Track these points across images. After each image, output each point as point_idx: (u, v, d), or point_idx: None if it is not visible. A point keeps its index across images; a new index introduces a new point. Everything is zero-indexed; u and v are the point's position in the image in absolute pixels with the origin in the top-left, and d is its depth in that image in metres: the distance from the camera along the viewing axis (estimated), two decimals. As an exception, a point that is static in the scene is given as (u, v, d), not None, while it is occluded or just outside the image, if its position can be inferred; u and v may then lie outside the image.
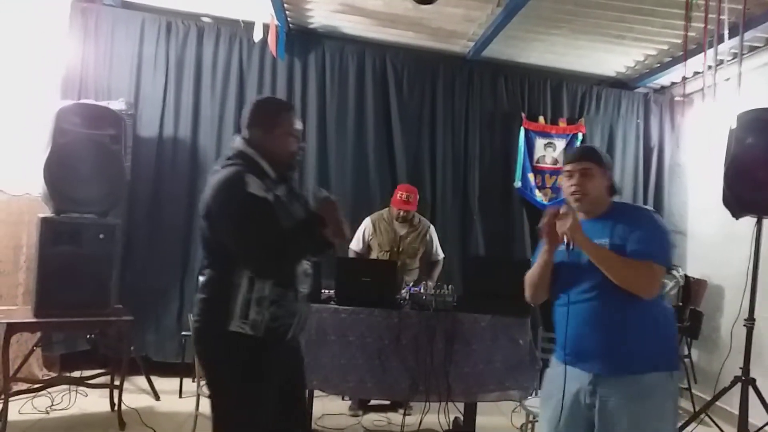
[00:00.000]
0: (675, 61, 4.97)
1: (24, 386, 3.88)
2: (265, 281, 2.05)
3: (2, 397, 3.53)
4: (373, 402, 4.35)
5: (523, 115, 5.48)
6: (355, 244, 4.44)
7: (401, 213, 4.34)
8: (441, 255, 4.61)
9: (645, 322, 2.10)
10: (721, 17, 3.71)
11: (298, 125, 2.23)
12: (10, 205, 4.04)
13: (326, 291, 3.51)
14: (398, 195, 4.36)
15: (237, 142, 2.18)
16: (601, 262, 2.08)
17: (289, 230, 2.08)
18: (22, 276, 4.16)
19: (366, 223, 4.47)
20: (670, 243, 2.16)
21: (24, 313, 3.64)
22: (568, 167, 2.25)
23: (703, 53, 4.00)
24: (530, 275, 2.32)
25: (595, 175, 2.20)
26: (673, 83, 5.70)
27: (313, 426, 3.80)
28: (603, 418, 2.13)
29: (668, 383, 2.13)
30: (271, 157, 2.14)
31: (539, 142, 5.52)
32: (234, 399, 2.08)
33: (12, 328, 3.46)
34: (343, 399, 4.43)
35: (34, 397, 3.88)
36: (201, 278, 2.20)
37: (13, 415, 3.57)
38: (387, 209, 4.51)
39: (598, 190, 2.21)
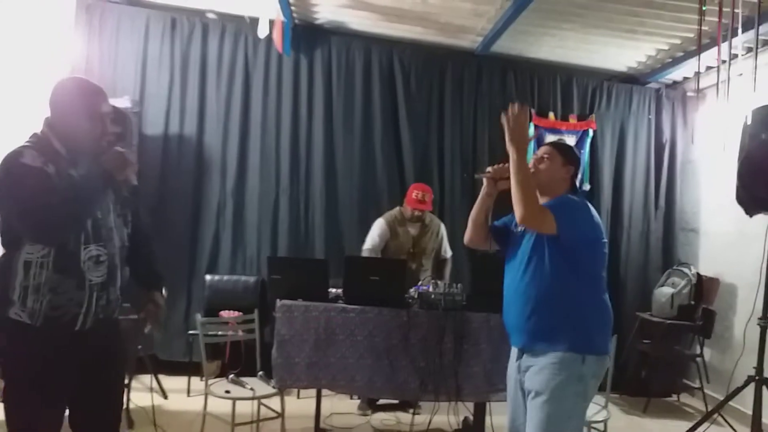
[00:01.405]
0: (687, 55, 4.90)
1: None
2: (42, 268, 1.98)
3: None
4: (381, 401, 4.33)
5: (532, 111, 5.42)
6: (370, 244, 4.29)
7: (416, 213, 4.27)
8: (449, 253, 4.55)
9: (563, 302, 2.21)
10: (735, 11, 3.64)
11: (104, 108, 2.16)
12: (16, 204, 4.02)
13: (334, 290, 3.47)
14: (413, 194, 4.27)
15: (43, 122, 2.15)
16: (516, 171, 2.20)
17: (66, 189, 2.00)
18: None
19: (381, 225, 4.32)
20: (568, 211, 2.25)
21: None
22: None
23: (716, 47, 3.93)
24: (471, 212, 2.55)
25: (551, 160, 2.38)
26: (685, 78, 5.62)
27: (322, 425, 3.78)
28: (526, 389, 2.27)
29: (577, 366, 2.17)
30: (66, 137, 2.09)
31: (549, 139, 5.45)
32: (13, 387, 2.02)
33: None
34: (351, 398, 4.41)
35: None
36: None
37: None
38: (398, 209, 4.42)
39: (550, 173, 2.37)
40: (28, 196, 1.92)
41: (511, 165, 2.22)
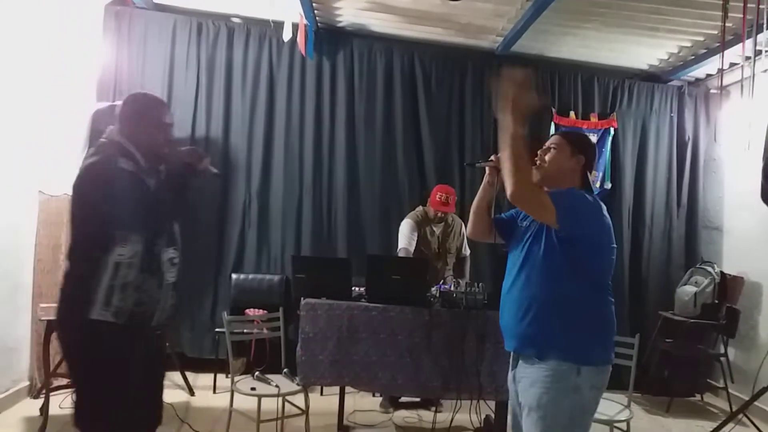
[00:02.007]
0: (711, 52, 4.86)
1: (64, 381, 3.98)
2: (130, 268, 2.10)
3: (44, 392, 3.65)
4: (404, 399, 4.37)
5: (553, 110, 5.42)
6: (406, 243, 4.25)
7: (439, 214, 4.30)
8: (468, 251, 4.58)
9: (560, 307, 2.05)
10: (761, 6, 3.62)
11: (168, 120, 2.35)
12: (50, 206, 4.14)
13: (357, 288, 3.53)
14: (437, 196, 4.28)
15: (110, 132, 2.27)
16: (509, 140, 1.99)
17: (163, 186, 2.21)
18: (61, 274, 4.26)
19: (410, 224, 4.30)
20: (573, 204, 2.06)
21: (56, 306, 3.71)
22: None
23: (740, 44, 3.91)
24: (473, 203, 2.44)
25: (558, 150, 2.22)
26: (708, 75, 5.58)
27: (345, 422, 3.84)
28: (521, 402, 2.13)
29: (571, 377, 2.00)
30: (141, 147, 2.24)
31: (570, 138, 5.45)
32: (95, 387, 2.12)
33: (52, 325, 3.55)
34: (374, 395, 4.46)
35: (73, 392, 3.97)
36: (65, 265, 2.23)
37: (53, 409, 3.67)
38: (422, 209, 4.43)
39: (557, 164, 2.21)
40: (137, 196, 2.09)
41: (504, 133, 2.00)
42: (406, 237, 4.28)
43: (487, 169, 2.40)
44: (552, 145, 2.24)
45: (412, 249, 4.25)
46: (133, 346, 2.15)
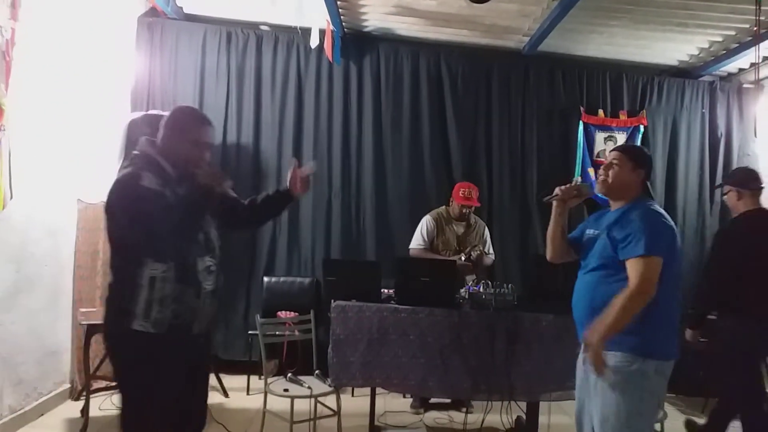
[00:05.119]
0: (743, 46, 4.77)
1: (103, 384, 4.10)
2: (165, 281, 2.13)
3: (84, 394, 3.76)
4: (434, 400, 4.38)
5: (581, 108, 5.38)
6: (418, 241, 4.34)
7: (465, 210, 4.32)
8: (492, 254, 4.56)
9: None
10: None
11: (208, 138, 2.34)
12: (87, 213, 4.26)
13: (386, 290, 3.56)
14: (460, 192, 4.32)
15: (142, 143, 2.29)
16: (614, 323, 2.16)
17: (180, 208, 2.16)
18: (99, 280, 4.38)
19: (427, 221, 4.37)
20: (653, 233, 2.20)
21: (102, 315, 3.82)
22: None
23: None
24: (548, 232, 2.61)
25: (620, 166, 2.38)
26: (741, 70, 5.47)
27: (376, 423, 3.86)
28: (593, 389, 2.29)
29: (639, 369, 2.17)
30: (174, 159, 2.25)
31: (599, 136, 5.41)
32: (136, 394, 2.18)
33: (92, 330, 3.67)
34: (404, 397, 4.48)
35: (112, 394, 4.08)
36: (109, 276, 2.26)
37: (94, 411, 3.77)
38: (444, 208, 4.47)
39: (620, 179, 2.37)
40: (153, 218, 2.09)
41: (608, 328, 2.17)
42: (420, 236, 4.36)
43: (554, 202, 2.54)
44: (614, 161, 2.39)
45: (422, 246, 4.31)
46: (174, 354, 2.18)
